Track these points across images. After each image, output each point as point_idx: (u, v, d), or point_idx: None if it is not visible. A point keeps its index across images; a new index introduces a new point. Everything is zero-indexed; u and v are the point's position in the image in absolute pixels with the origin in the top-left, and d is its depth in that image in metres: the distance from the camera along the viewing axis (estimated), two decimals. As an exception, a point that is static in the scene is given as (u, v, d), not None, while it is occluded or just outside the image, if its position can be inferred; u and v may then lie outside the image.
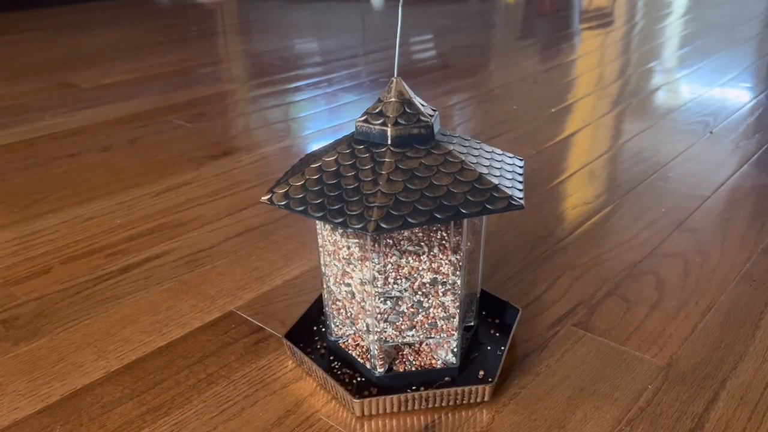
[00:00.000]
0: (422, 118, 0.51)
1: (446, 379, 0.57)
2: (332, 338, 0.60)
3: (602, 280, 0.73)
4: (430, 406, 0.54)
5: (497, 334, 0.63)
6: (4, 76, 1.68)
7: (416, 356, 0.58)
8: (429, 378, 0.57)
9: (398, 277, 0.52)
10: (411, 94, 0.52)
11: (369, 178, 0.49)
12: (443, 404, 0.54)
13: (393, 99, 0.52)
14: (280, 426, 0.53)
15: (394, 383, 0.56)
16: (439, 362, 0.57)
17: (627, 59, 1.79)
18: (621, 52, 1.89)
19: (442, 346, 0.57)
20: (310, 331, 0.64)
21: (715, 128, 1.21)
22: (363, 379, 0.57)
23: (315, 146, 1.18)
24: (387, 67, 1.72)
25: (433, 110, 0.54)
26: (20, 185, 1.01)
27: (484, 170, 0.51)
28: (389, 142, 0.51)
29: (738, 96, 1.41)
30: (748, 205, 0.90)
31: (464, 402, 0.55)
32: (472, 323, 0.62)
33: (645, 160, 1.07)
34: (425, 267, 0.52)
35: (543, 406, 0.55)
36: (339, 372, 0.58)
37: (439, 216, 0.47)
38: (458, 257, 0.52)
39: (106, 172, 1.06)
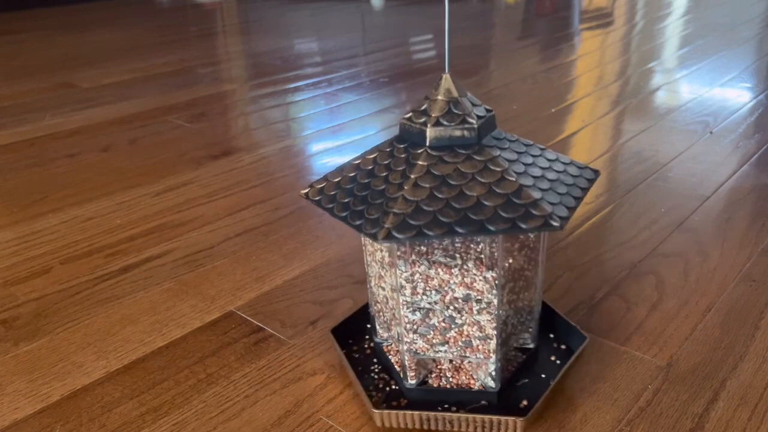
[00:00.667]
0: (468, 119, 0.48)
1: (482, 403, 0.53)
2: (377, 339, 0.59)
3: (602, 280, 0.73)
4: (455, 429, 0.51)
5: (558, 362, 0.57)
6: (4, 76, 1.68)
7: (455, 373, 0.54)
8: (464, 398, 0.53)
9: (428, 288, 0.50)
10: (460, 92, 0.49)
11: (397, 181, 0.47)
12: (469, 430, 0.51)
13: (439, 97, 0.48)
14: (280, 426, 0.53)
15: (426, 398, 0.54)
16: (478, 384, 0.53)
17: (627, 59, 1.79)
18: (621, 52, 1.89)
19: (482, 367, 0.53)
20: (363, 328, 0.62)
21: (715, 128, 1.21)
22: (396, 388, 0.55)
23: (315, 146, 1.18)
24: (387, 67, 1.72)
25: (488, 111, 0.50)
26: (20, 185, 1.01)
27: (529, 182, 0.46)
28: (427, 143, 0.48)
29: (738, 96, 1.41)
30: (748, 205, 0.90)
31: (492, 431, 0.51)
32: (530, 345, 0.57)
33: (645, 160, 1.07)
34: (457, 281, 0.49)
35: (543, 407, 0.55)
36: (376, 377, 0.56)
37: (459, 230, 0.43)
38: (494, 275, 0.48)
39: (106, 172, 1.06)
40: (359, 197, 0.47)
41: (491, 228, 0.43)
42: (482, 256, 0.48)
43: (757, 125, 1.22)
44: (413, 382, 0.54)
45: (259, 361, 0.61)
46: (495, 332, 0.50)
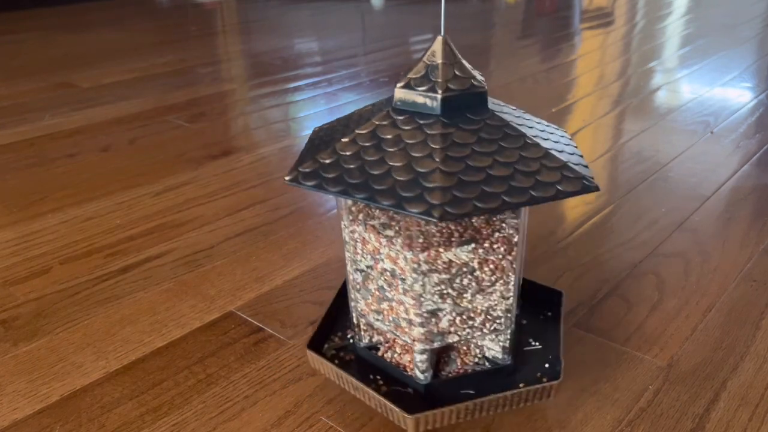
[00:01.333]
0: (436, 88, 0.45)
1: (408, 389, 0.52)
2: None
3: (603, 281, 0.73)
4: (358, 396, 0.51)
5: (522, 390, 0.50)
6: (4, 76, 1.68)
7: (403, 351, 0.54)
8: (397, 377, 0.53)
9: (364, 251, 0.49)
10: (448, 58, 0.46)
11: (345, 133, 0.47)
12: (369, 403, 0.51)
13: (424, 58, 0.46)
14: (279, 426, 0.53)
15: (368, 362, 0.55)
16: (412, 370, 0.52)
17: (627, 59, 1.79)
18: (621, 51, 1.89)
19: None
20: None
21: (716, 128, 1.21)
22: (353, 342, 0.57)
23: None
24: (387, 67, 1.72)
25: (474, 86, 0.46)
26: (20, 185, 1.01)
27: (454, 168, 0.42)
28: (392, 104, 0.47)
29: (739, 96, 1.41)
30: (748, 205, 0.90)
31: (385, 413, 0.50)
32: (499, 360, 0.54)
33: (645, 160, 1.07)
34: (384, 252, 0.48)
35: (543, 407, 0.54)
36: (348, 326, 0.58)
37: (352, 193, 0.42)
38: (412, 257, 0.46)
39: (106, 172, 1.06)
40: (323, 141, 0.48)
41: (378, 200, 0.42)
42: (415, 232, 0.46)
43: (758, 125, 1.22)
44: (362, 342, 0.55)
45: (258, 361, 0.61)
46: (418, 320, 0.48)
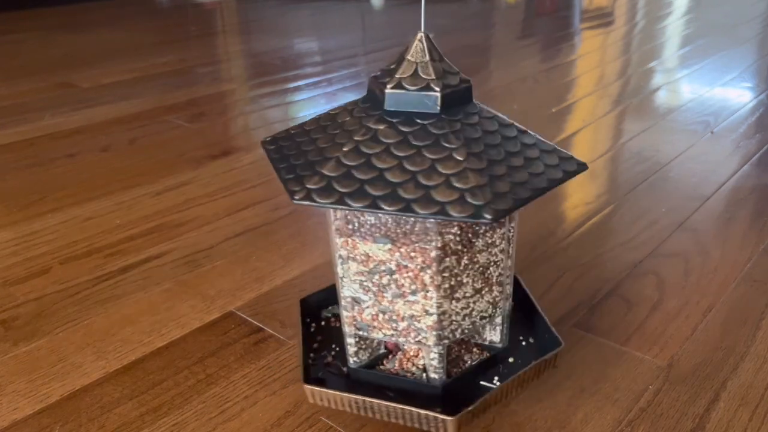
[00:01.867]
0: (389, 83, 0.45)
1: (343, 368, 0.54)
2: None
3: (603, 281, 0.73)
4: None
5: (437, 414, 0.47)
6: (4, 76, 1.68)
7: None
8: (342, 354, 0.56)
9: (329, 224, 0.52)
10: (416, 55, 0.46)
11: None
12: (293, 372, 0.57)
13: (400, 52, 0.48)
14: (279, 427, 0.53)
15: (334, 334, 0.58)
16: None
17: (627, 59, 1.78)
18: (621, 51, 1.89)
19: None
20: None
21: (716, 128, 1.21)
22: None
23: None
24: (387, 67, 1.71)
25: (434, 86, 0.45)
26: (19, 185, 1.01)
27: (355, 163, 0.43)
28: (360, 100, 0.50)
29: (739, 96, 1.41)
30: (749, 205, 0.90)
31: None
32: (431, 377, 0.51)
33: (645, 160, 1.07)
34: (332, 230, 0.51)
35: (544, 407, 0.54)
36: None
37: (278, 163, 0.46)
38: (337, 241, 0.48)
39: (106, 172, 1.06)
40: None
41: (283, 174, 0.45)
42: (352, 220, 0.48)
43: (758, 125, 1.22)
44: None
45: (258, 361, 0.61)
46: (343, 302, 0.51)
